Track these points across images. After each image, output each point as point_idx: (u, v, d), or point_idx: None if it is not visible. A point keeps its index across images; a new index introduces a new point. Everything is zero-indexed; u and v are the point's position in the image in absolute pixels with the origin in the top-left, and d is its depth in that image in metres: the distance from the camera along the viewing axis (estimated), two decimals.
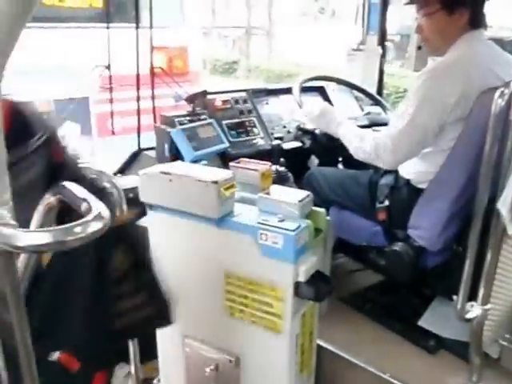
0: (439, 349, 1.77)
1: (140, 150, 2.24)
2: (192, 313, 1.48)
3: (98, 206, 0.60)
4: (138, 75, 2.28)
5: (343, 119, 1.94)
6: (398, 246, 1.73)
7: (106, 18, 3.11)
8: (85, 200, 0.61)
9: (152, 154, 2.09)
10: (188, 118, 1.94)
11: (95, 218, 0.57)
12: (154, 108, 2.40)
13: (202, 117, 1.98)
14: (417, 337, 1.82)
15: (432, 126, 1.62)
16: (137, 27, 2.28)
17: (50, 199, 0.75)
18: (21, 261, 0.76)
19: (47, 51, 3.50)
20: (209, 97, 2.14)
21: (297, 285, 1.29)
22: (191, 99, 2.04)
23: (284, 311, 1.32)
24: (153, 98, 2.42)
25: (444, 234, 1.65)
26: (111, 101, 3.33)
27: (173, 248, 1.46)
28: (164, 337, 1.53)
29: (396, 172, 1.83)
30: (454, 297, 1.51)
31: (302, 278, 1.29)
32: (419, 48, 2.01)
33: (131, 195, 1.62)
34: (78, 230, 0.56)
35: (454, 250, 1.67)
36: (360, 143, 1.78)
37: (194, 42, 4.35)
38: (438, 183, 1.66)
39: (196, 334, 1.51)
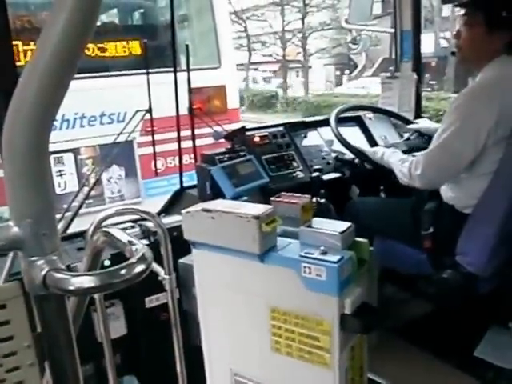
0: (498, 380, 1.69)
1: (182, 189, 2.29)
2: (240, 349, 1.48)
3: (141, 248, 0.63)
4: (177, 117, 2.36)
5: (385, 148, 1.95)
6: (446, 274, 1.68)
7: (145, 64, 3.24)
8: (129, 243, 0.64)
9: (194, 192, 2.14)
10: (228, 155, 1.98)
11: (139, 259, 0.60)
12: (194, 147, 2.47)
13: (242, 153, 2.01)
14: (474, 368, 1.75)
15: (465, 151, 1.60)
16: (175, 71, 2.36)
17: (96, 243, 0.79)
18: (71, 303, 0.79)
19: (91, 99, 3.67)
20: (247, 133, 2.19)
21: (343, 317, 1.28)
22: (230, 137, 2.09)
23: (331, 345, 1.30)
24: (193, 137, 2.49)
25: (494, 259, 1.60)
26: (153, 143, 3.44)
27: (217, 284, 1.48)
28: (213, 374, 1.54)
29: (439, 198, 1.80)
30: (511, 324, 1.45)
31: (347, 311, 1.27)
32: (453, 54, 2.01)
33: (175, 234, 1.66)
34: (123, 272, 0.58)
35: (506, 275, 1.61)
36: (401, 166, 1.78)
37: (231, 80, 4.46)
38: (484, 207, 1.62)
39: (244, 370, 1.50)
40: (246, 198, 1.78)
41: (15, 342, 0.60)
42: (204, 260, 1.48)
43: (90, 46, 3.77)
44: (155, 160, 3.61)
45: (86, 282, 0.57)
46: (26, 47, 3.59)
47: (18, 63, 3.62)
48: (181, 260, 1.77)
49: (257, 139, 2.16)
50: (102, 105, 3.86)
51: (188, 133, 2.72)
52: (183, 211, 1.46)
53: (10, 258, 1.20)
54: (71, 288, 0.57)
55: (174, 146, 3.58)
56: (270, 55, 23.46)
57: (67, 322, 0.63)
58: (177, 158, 3.60)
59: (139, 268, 0.59)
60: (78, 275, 0.57)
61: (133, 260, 0.60)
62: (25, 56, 3.59)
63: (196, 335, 1.58)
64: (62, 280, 0.56)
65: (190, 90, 2.55)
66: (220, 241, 1.41)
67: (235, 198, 1.77)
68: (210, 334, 1.54)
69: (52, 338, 0.63)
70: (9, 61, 1.39)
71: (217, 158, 1.95)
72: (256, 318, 1.43)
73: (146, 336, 1.87)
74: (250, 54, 22.99)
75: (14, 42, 3.56)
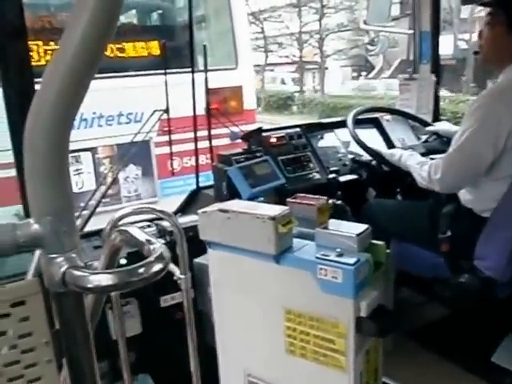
0: None
1: (198, 189, 2.30)
2: (254, 350, 1.48)
3: (159, 247, 0.63)
4: (194, 117, 2.37)
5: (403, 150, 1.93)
6: (463, 278, 1.66)
7: (163, 65, 3.26)
8: (147, 241, 0.65)
9: (210, 192, 2.14)
10: (244, 155, 1.98)
11: (157, 258, 0.60)
12: (211, 148, 2.48)
13: (258, 154, 2.01)
14: (490, 374, 1.72)
15: (484, 153, 1.58)
16: (192, 71, 2.38)
17: (114, 242, 0.79)
18: (89, 301, 0.80)
19: (109, 99, 3.70)
20: (264, 134, 2.19)
21: (358, 320, 1.27)
22: (247, 137, 2.09)
23: (347, 348, 1.30)
24: (209, 138, 2.49)
25: None
26: (170, 143, 3.46)
27: (232, 284, 1.48)
28: (227, 374, 1.54)
29: (457, 201, 1.78)
30: None
31: (363, 313, 1.26)
32: (475, 53, 1.98)
33: (191, 233, 1.67)
34: (141, 270, 0.59)
35: None
36: (419, 169, 1.77)
37: (248, 81, 4.47)
38: (503, 211, 1.60)
39: (258, 371, 1.50)
40: (262, 198, 1.78)
41: (34, 339, 0.60)
42: (219, 260, 1.48)
43: (109, 46, 3.80)
44: (172, 160, 3.63)
45: (105, 280, 0.57)
46: (46, 47, 3.64)
47: (38, 63, 3.68)
48: (196, 260, 1.77)
49: (273, 140, 2.16)
50: (120, 105, 3.89)
51: (204, 133, 2.73)
52: (199, 211, 1.47)
53: (36, 255, 1.22)
54: (90, 286, 0.57)
55: (191, 146, 3.60)
56: (287, 56, 23.44)
57: (85, 320, 0.64)
58: (193, 158, 3.62)
59: (157, 267, 0.59)
60: (96, 273, 0.57)
61: (151, 259, 0.60)
62: (45, 56, 3.64)
63: (210, 335, 1.58)
64: (80, 277, 0.57)
65: (208, 91, 2.56)
66: (236, 241, 1.41)
67: (251, 198, 1.77)
68: (225, 335, 1.54)
69: (70, 335, 0.63)
70: (25, 61, 1.41)
71: (233, 158, 1.95)
72: (270, 320, 1.43)
73: (161, 335, 1.87)
74: (267, 55, 23.00)
75: (35, 42, 3.62)
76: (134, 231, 0.72)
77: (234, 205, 1.47)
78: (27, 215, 0.58)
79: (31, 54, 3.57)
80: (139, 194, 4.00)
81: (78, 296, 0.61)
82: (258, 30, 22.05)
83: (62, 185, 0.58)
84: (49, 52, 3.65)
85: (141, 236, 0.68)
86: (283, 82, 24.28)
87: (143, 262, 0.59)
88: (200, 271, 1.77)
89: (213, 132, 3.06)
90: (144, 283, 0.58)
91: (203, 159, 3.53)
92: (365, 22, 2.98)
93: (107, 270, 0.57)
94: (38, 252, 1.37)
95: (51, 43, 3.65)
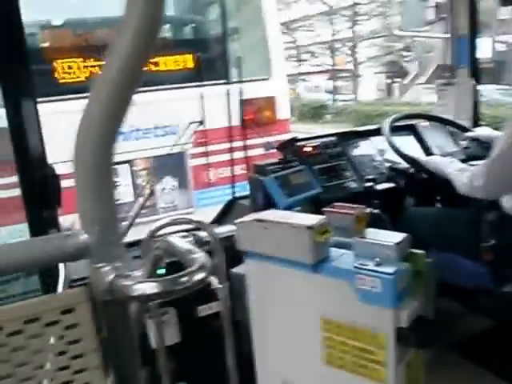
0: None
1: (234, 200, 2.32)
2: (291, 359, 1.47)
3: (201, 257, 0.64)
4: (230, 128, 2.40)
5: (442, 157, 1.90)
6: (508, 288, 1.62)
7: (197, 77, 3.30)
8: (188, 251, 0.66)
9: (246, 202, 2.15)
10: (279, 165, 1.98)
11: (199, 268, 0.61)
12: (246, 158, 2.50)
13: (293, 164, 2.01)
14: None
15: None
16: (227, 83, 2.41)
17: (157, 252, 0.81)
18: (131, 309, 0.82)
19: (146, 112, 3.78)
20: (298, 143, 2.19)
21: (399, 331, 1.25)
22: (282, 147, 2.09)
23: (387, 359, 1.27)
24: (245, 148, 2.52)
25: None
26: (206, 154, 3.50)
27: (269, 294, 1.48)
28: (264, 382, 1.53)
29: (500, 208, 1.73)
30: None
31: (403, 324, 1.24)
32: None
33: (227, 243, 1.68)
34: (184, 279, 0.60)
35: None
36: (460, 176, 1.73)
37: (282, 91, 4.48)
38: None
39: (296, 381, 1.49)
40: (298, 208, 1.78)
41: (82, 345, 0.62)
42: (257, 270, 1.49)
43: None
44: (207, 171, 3.67)
45: (149, 288, 0.59)
46: (85, 63, 3.75)
47: (78, 79, 3.79)
48: (233, 270, 1.78)
49: (308, 149, 2.15)
50: (156, 118, 3.96)
51: (238, 144, 2.76)
52: (236, 221, 1.48)
53: (61, 268, 1.27)
54: (135, 294, 0.59)
55: (224, 157, 3.64)
56: (319, 65, 23.43)
57: (130, 327, 0.65)
58: (227, 169, 3.65)
59: (199, 276, 0.60)
60: (141, 282, 0.59)
61: (193, 268, 0.61)
62: (84, 72, 3.75)
63: (247, 344, 1.58)
64: (126, 286, 0.59)
65: (242, 102, 2.58)
66: (273, 251, 1.41)
67: (287, 208, 1.77)
68: (262, 344, 1.54)
69: (116, 342, 0.65)
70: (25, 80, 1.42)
71: (269, 168, 1.96)
72: (308, 329, 1.42)
73: (199, 344, 1.89)
74: (299, 65, 23.04)
75: (74, 60, 3.73)
76: (176, 241, 0.73)
77: (270, 215, 1.48)
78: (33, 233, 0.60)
79: (71, 70, 3.70)
80: (175, 205, 4.05)
81: (123, 304, 0.63)
82: (290, 40, 22.12)
83: (108, 197, 0.59)
84: (87, 68, 3.76)
85: (183, 246, 0.70)
86: (316, 91, 24.23)
87: (186, 271, 0.60)
88: (237, 281, 1.77)
89: (247, 143, 3.09)
90: (186, 292, 0.59)
91: (237, 169, 3.56)
92: (399, 28, 2.95)
93: (151, 279, 0.58)
94: (62, 265, 1.42)
95: (90, 60, 3.76)
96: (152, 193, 3.66)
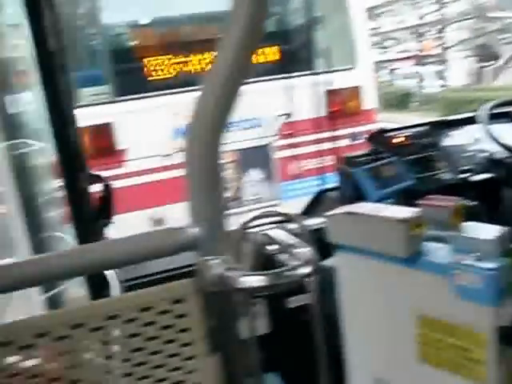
0: None
1: (322, 192, 2.31)
2: (383, 355, 1.45)
3: (306, 251, 0.65)
4: (317, 119, 2.39)
5: None
6: None
7: (282, 69, 3.31)
8: (292, 245, 0.67)
9: (334, 194, 2.14)
10: (369, 157, 1.95)
11: (304, 262, 0.62)
12: (334, 149, 2.48)
13: (383, 155, 1.97)
14: None
15: None
16: (313, 74, 2.39)
17: (256, 244, 0.83)
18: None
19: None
20: (388, 134, 2.14)
21: (500, 330, 1.19)
22: (371, 138, 2.05)
23: (487, 358, 1.22)
24: (333, 139, 2.50)
25: None
26: (291, 146, 3.51)
27: (361, 287, 1.46)
28: (355, 377, 1.52)
29: None
30: None
31: (506, 322, 1.18)
32: None
33: (316, 236, 1.68)
34: (289, 273, 0.61)
35: None
36: None
37: (367, 80, 4.37)
38: None
39: (388, 378, 1.47)
40: (389, 200, 1.74)
41: (191, 334, 0.65)
42: (348, 263, 1.47)
43: None
44: (292, 163, 3.67)
45: (256, 281, 0.60)
46: (174, 60, 3.89)
47: (166, 76, 3.92)
48: (322, 262, 1.78)
49: (398, 140, 2.10)
50: (241, 110, 4.02)
51: (321, 135, 2.73)
52: (327, 214, 1.47)
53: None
54: (242, 286, 0.61)
55: (310, 148, 3.62)
56: (404, 51, 22.60)
57: (235, 317, 0.67)
58: (312, 161, 3.64)
59: (305, 270, 0.61)
60: (248, 275, 0.61)
61: (298, 262, 0.62)
62: (173, 68, 3.89)
63: (337, 337, 1.58)
64: (234, 279, 0.61)
65: (329, 93, 2.56)
66: (365, 244, 1.39)
67: (378, 200, 1.74)
68: (353, 337, 1.53)
69: (222, 332, 0.68)
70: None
71: (359, 160, 1.93)
72: (401, 325, 1.39)
73: (288, 335, 1.91)
74: (383, 52, 22.37)
75: (166, 56, 3.88)
76: (278, 234, 0.75)
77: (362, 207, 1.46)
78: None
79: (159, 68, 3.84)
80: (260, 197, 4.09)
81: (229, 296, 0.66)
82: (373, 27, 21.52)
83: (217, 191, 0.62)
84: (175, 66, 3.90)
85: (286, 239, 0.71)
86: (402, 79, 23.38)
87: (291, 265, 0.61)
88: (326, 274, 1.77)
89: (332, 134, 3.05)
90: (292, 286, 0.60)
91: (322, 161, 3.53)
92: (497, 8, 2.78)
93: (258, 272, 0.60)
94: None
95: (178, 57, 3.90)
96: (239, 185, 3.72)
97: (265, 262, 1.27)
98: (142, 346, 0.63)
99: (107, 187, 1.73)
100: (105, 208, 1.71)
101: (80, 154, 1.45)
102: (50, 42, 1.27)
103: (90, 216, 1.59)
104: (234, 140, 3.96)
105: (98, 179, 1.74)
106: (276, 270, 0.62)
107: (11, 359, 0.61)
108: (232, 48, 0.55)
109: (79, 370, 0.61)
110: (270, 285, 0.61)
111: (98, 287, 1.47)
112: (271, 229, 1.97)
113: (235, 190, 3.49)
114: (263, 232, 0.82)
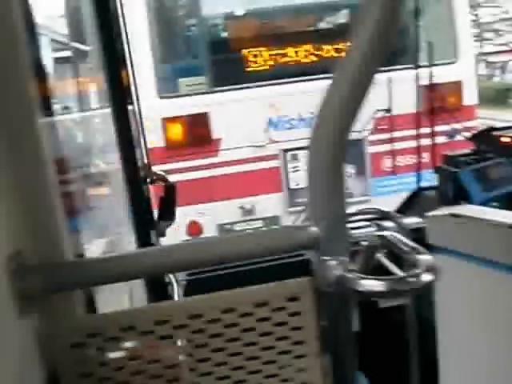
0: None
1: (419, 190, 2.23)
2: (478, 364, 1.38)
3: (428, 258, 0.62)
4: (417, 114, 2.30)
5: None
6: None
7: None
8: (412, 250, 0.64)
9: (432, 194, 2.06)
10: (473, 157, 1.86)
11: (427, 269, 0.60)
12: (433, 147, 2.38)
13: (489, 155, 1.86)
14: None
15: None
16: (416, 67, 2.31)
17: (371, 246, 0.82)
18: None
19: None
20: (494, 133, 2.02)
21: None
22: (475, 137, 1.95)
23: None
24: (432, 136, 2.40)
25: None
26: (385, 141, 3.41)
27: (461, 293, 1.40)
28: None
29: None
30: None
31: None
32: None
33: (414, 236, 1.62)
34: (411, 280, 0.59)
35: None
36: None
37: (469, 74, 4.14)
38: None
39: None
40: (496, 204, 1.65)
41: (303, 333, 0.66)
42: (448, 267, 1.41)
43: (325, 47, 3.90)
44: (385, 158, 3.57)
45: (376, 286, 0.59)
46: (270, 52, 3.91)
47: (263, 67, 3.96)
48: None
49: (508, 139, 1.98)
50: None
51: (418, 131, 2.62)
52: (428, 214, 1.42)
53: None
54: (361, 290, 0.60)
55: (405, 144, 3.50)
56: (504, 44, 21.14)
57: (350, 319, 0.67)
58: (406, 157, 3.52)
59: (428, 278, 0.59)
60: (368, 278, 0.60)
61: (420, 269, 0.60)
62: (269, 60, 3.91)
63: (431, 340, 1.52)
64: (353, 281, 0.60)
65: (429, 87, 2.46)
66: (468, 249, 1.33)
67: (483, 203, 1.65)
68: (447, 342, 1.47)
69: (335, 333, 0.67)
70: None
71: (462, 159, 1.84)
72: (501, 334, 1.32)
73: (378, 335, 1.87)
74: (482, 45, 21.08)
75: (259, 49, 3.90)
76: (397, 238, 0.73)
77: (466, 210, 1.40)
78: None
79: (256, 59, 3.88)
80: (351, 192, 4.00)
81: (346, 297, 0.65)
82: (472, 18, 20.30)
83: (338, 191, 0.61)
84: (272, 57, 3.91)
85: (406, 243, 0.69)
86: (500, 73, 21.92)
87: (413, 271, 0.59)
88: None
89: (428, 130, 2.92)
90: (412, 294, 0.58)
91: (415, 158, 3.40)
92: None
93: (377, 277, 0.59)
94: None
95: (274, 48, 3.92)
96: None
97: (377, 265, 1.26)
98: (255, 340, 0.65)
99: (170, 188, 1.74)
100: (168, 209, 1.72)
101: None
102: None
103: (151, 217, 1.63)
104: None
105: (162, 179, 1.76)
106: (397, 276, 0.60)
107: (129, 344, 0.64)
108: (366, 36, 0.55)
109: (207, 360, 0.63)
110: (390, 291, 0.59)
111: (159, 287, 1.50)
112: (366, 227, 1.95)
113: None
114: (378, 234, 0.80)
